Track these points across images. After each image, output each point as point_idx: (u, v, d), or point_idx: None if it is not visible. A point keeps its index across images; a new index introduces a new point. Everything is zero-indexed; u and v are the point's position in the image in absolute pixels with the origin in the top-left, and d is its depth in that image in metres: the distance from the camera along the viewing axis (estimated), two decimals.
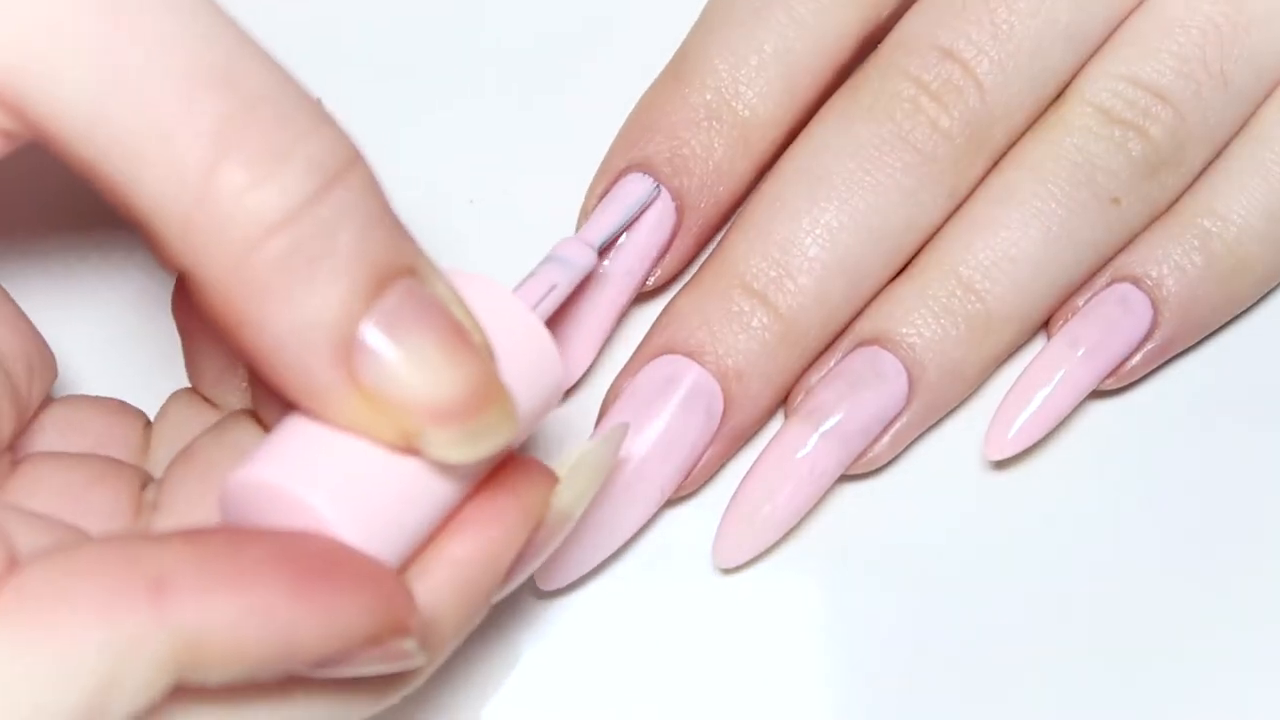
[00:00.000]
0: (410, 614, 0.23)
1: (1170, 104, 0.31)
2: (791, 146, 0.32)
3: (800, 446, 0.30)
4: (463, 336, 0.23)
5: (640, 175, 0.31)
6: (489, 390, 0.23)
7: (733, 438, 0.31)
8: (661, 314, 0.32)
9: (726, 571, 0.31)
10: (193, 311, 0.27)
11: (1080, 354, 0.31)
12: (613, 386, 0.31)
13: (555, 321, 0.31)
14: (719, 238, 0.32)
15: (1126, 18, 0.32)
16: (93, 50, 0.22)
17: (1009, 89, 0.31)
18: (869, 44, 0.32)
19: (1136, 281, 0.31)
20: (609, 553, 0.31)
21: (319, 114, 0.23)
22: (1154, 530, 0.32)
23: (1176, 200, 0.32)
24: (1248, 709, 0.31)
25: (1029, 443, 0.31)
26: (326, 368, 0.23)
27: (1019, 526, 0.32)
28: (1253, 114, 0.32)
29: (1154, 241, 0.32)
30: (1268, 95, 0.32)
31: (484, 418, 0.23)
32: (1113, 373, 0.32)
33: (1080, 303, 0.32)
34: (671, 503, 0.31)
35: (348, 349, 0.23)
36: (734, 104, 0.32)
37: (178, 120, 0.22)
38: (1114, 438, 0.33)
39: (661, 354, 0.31)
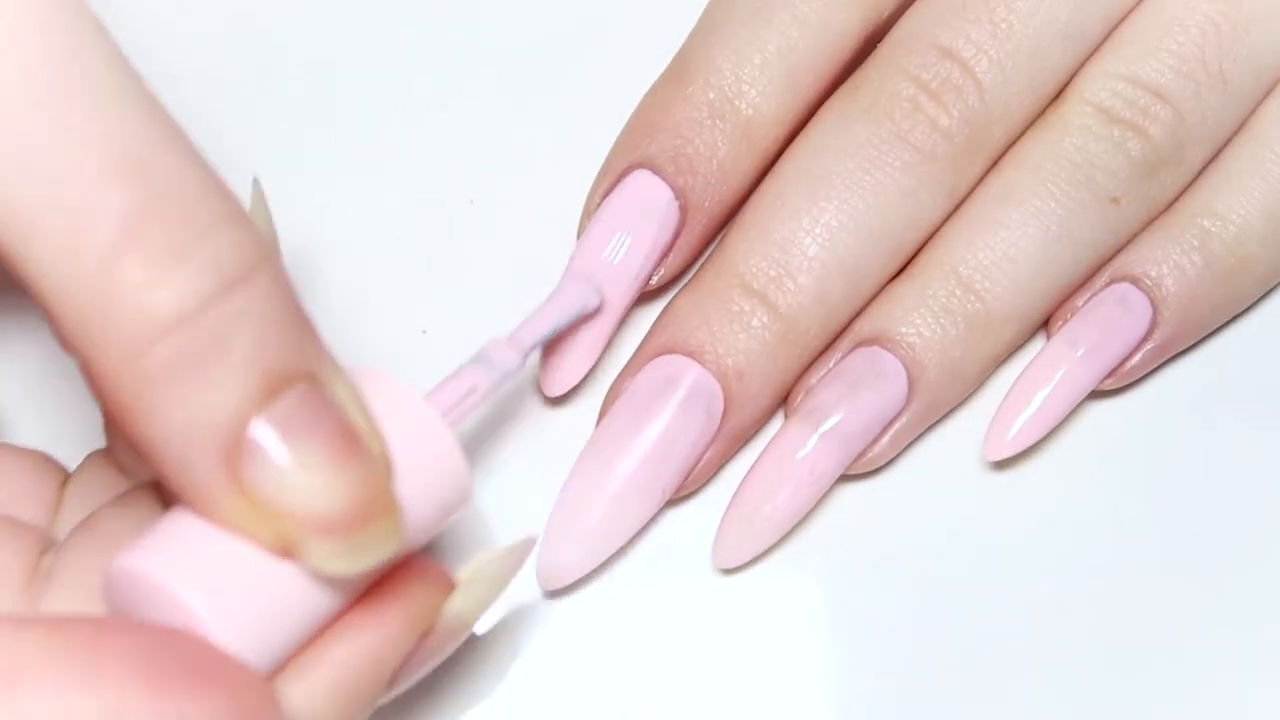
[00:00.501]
0: None
1: (1170, 103, 0.31)
2: (791, 146, 0.32)
3: (800, 447, 0.30)
4: (355, 446, 0.23)
5: (645, 173, 0.31)
6: (376, 504, 0.23)
7: (733, 437, 0.31)
8: (661, 314, 0.32)
9: (726, 572, 0.31)
10: None
11: (1079, 354, 0.31)
12: (613, 387, 0.31)
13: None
14: (719, 237, 0.32)
15: (1126, 17, 0.32)
16: (7, 126, 0.22)
17: (1008, 88, 0.31)
18: (871, 42, 0.32)
19: (1136, 281, 0.31)
20: (609, 554, 0.30)
21: (231, 213, 0.23)
22: (1154, 530, 0.32)
23: (1176, 199, 0.32)
24: (1248, 709, 0.31)
25: (1029, 443, 0.31)
26: (211, 468, 0.22)
27: (1019, 527, 0.32)
28: (1252, 113, 0.32)
29: (1153, 241, 0.32)
30: (1267, 94, 0.32)
31: (368, 532, 0.23)
32: (1112, 373, 0.32)
33: (1079, 303, 0.32)
34: (671, 502, 0.31)
35: (235, 451, 0.22)
36: (737, 103, 0.32)
37: (83, 207, 0.22)
38: (1114, 438, 0.32)
39: (661, 354, 0.31)
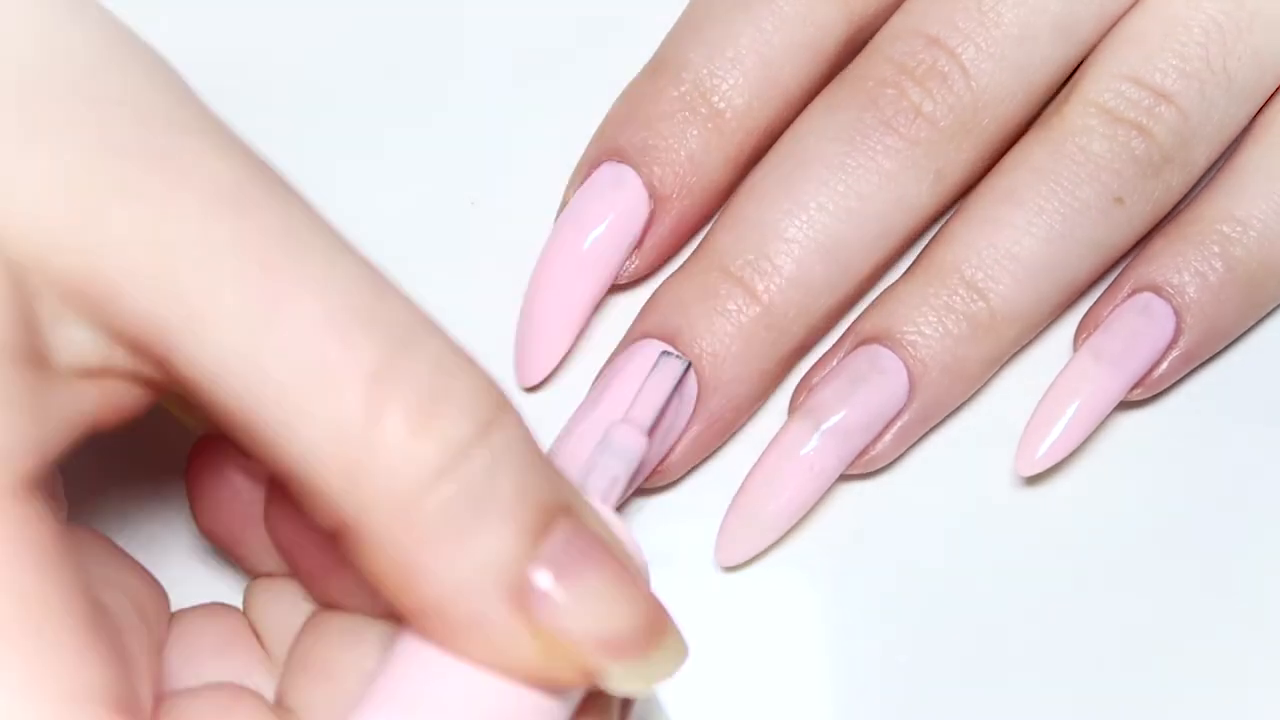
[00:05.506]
0: None
1: (1174, 104, 0.31)
2: (781, 135, 0.32)
3: (802, 444, 0.30)
4: (627, 569, 0.23)
5: (616, 165, 0.31)
6: (660, 616, 0.24)
7: (711, 421, 0.31)
8: (646, 302, 0.32)
9: (729, 570, 0.31)
10: (290, 524, 0.26)
11: (1106, 366, 0.31)
12: (598, 376, 0.31)
13: (533, 316, 0.31)
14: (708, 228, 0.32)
15: (1125, 13, 0.32)
16: (247, 294, 0.22)
17: (995, 76, 0.31)
18: (857, 42, 0.32)
19: (1157, 290, 0.31)
20: None
21: (468, 358, 0.23)
22: (1159, 534, 0.32)
23: (1183, 199, 0.32)
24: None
25: (1060, 458, 0.31)
26: (502, 613, 0.23)
27: (1023, 527, 0.32)
28: (1258, 111, 0.32)
29: (1173, 250, 0.31)
30: (1274, 92, 0.32)
31: (662, 645, 0.23)
32: (1140, 383, 0.31)
33: (1103, 315, 0.32)
34: (673, 502, 0.31)
35: (522, 592, 0.22)
36: (710, 96, 0.32)
37: (334, 363, 0.22)
38: (1117, 436, 0.32)
39: (641, 338, 0.31)
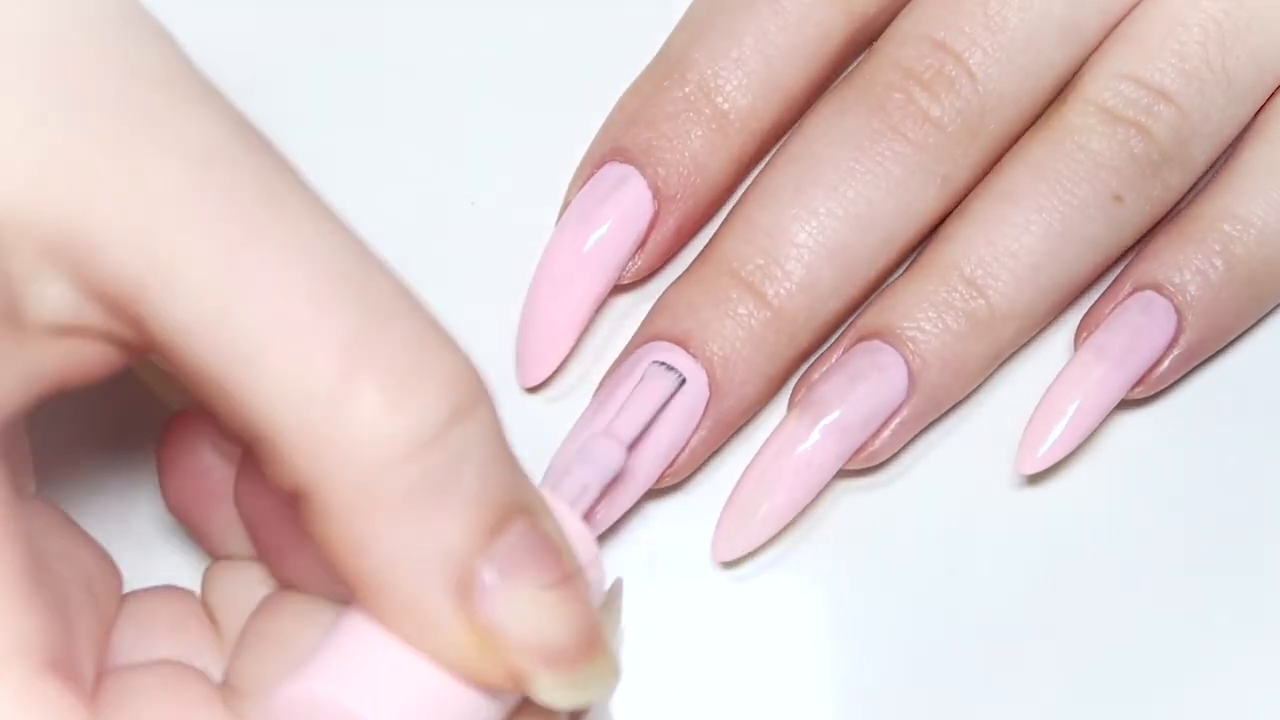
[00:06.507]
0: None
1: (1173, 103, 0.31)
2: (786, 138, 0.32)
3: (801, 441, 0.30)
4: (574, 578, 0.23)
5: (620, 165, 0.31)
6: (597, 634, 0.23)
7: (718, 424, 0.31)
8: (655, 304, 0.32)
9: (725, 566, 0.31)
10: (262, 498, 0.26)
11: (1107, 364, 0.31)
12: (604, 378, 0.31)
13: (535, 316, 0.31)
14: (714, 230, 0.32)
15: (1127, 14, 0.32)
16: (225, 255, 0.22)
17: (1002, 80, 0.31)
18: (859, 42, 0.32)
19: (1158, 288, 0.31)
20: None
21: (449, 339, 0.23)
22: (1161, 531, 0.32)
23: (1183, 198, 0.32)
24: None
25: (1061, 456, 0.31)
26: (442, 601, 0.22)
27: (1022, 525, 0.32)
28: (1258, 110, 0.32)
29: (1174, 248, 0.31)
30: (1274, 90, 0.32)
31: (592, 663, 0.23)
32: (1141, 380, 0.31)
33: (1104, 313, 0.32)
34: (671, 500, 0.31)
35: (466, 584, 0.22)
36: (713, 96, 0.32)
37: (309, 329, 0.22)
38: (1118, 435, 0.32)
39: (650, 342, 0.31)
